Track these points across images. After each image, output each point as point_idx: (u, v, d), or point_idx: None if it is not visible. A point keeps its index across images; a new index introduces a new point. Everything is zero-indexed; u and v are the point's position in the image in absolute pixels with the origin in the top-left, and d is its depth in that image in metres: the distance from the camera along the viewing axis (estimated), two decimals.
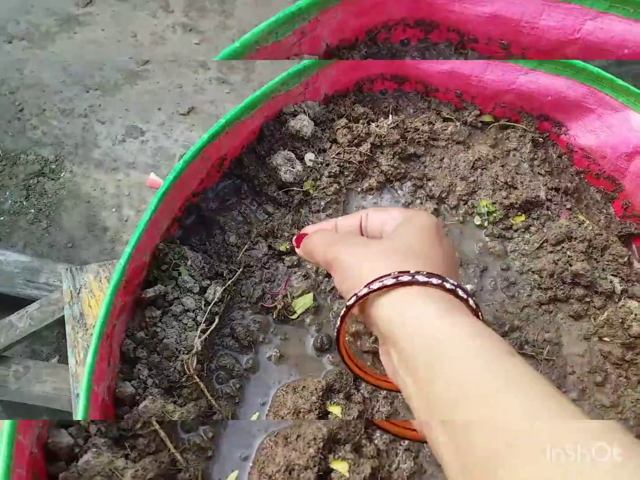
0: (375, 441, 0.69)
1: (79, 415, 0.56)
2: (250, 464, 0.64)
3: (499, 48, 0.94)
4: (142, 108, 1.80)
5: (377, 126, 0.87)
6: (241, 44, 0.75)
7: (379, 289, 0.43)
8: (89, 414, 0.56)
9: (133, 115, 1.78)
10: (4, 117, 1.74)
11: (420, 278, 0.43)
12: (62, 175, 1.67)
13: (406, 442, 0.68)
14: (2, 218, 1.59)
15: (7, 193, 1.62)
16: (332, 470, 0.61)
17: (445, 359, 0.38)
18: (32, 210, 1.61)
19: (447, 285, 0.43)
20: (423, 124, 0.91)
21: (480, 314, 0.45)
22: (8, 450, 0.49)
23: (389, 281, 0.43)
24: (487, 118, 0.97)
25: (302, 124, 0.85)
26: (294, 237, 0.62)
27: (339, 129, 0.87)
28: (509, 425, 0.33)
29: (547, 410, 0.33)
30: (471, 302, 0.44)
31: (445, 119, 0.95)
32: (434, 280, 0.43)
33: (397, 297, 0.43)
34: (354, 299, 0.45)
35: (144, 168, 1.70)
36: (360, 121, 0.89)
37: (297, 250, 0.61)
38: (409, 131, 0.90)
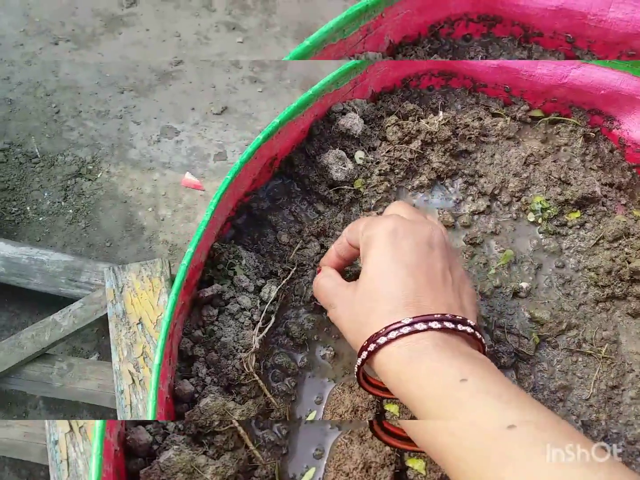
0: None
1: (148, 415, 0.56)
2: (325, 462, 0.65)
3: (564, 42, 0.92)
4: (176, 108, 1.81)
5: (428, 123, 0.86)
6: (311, 42, 0.75)
7: (373, 352, 0.48)
8: (157, 414, 0.57)
9: (167, 116, 1.79)
10: (41, 119, 1.76)
11: (405, 330, 0.46)
12: (99, 175, 1.68)
13: None
14: (41, 218, 1.61)
15: (46, 194, 1.64)
16: (407, 467, 0.61)
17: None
18: (71, 211, 1.63)
19: (434, 325, 0.46)
20: (473, 120, 0.90)
21: (480, 338, 0.51)
22: (100, 450, 0.49)
23: (381, 340, 0.47)
24: (536, 113, 0.95)
25: (352, 122, 0.84)
26: (317, 270, 0.68)
27: (389, 126, 0.86)
28: None
29: None
30: (464, 329, 0.49)
31: (494, 115, 0.94)
32: (420, 326, 0.46)
33: (394, 354, 0.47)
34: (359, 362, 0.51)
35: (179, 168, 1.71)
36: (410, 118, 0.88)
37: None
38: (459, 127, 0.89)
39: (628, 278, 0.80)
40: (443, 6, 0.90)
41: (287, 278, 0.77)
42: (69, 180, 1.66)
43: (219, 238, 0.78)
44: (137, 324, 1.22)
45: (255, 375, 0.69)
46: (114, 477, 0.52)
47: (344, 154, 0.84)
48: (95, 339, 1.48)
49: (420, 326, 0.46)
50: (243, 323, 0.73)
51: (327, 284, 0.63)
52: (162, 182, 1.68)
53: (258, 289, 0.76)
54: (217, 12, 1.98)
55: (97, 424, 0.50)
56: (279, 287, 0.76)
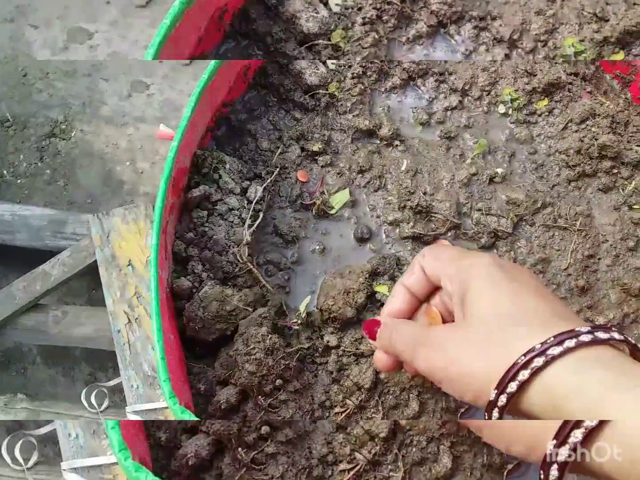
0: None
1: (151, 289, 0.58)
2: (317, 294, 0.77)
3: None
4: (144, 62, 1.80)
5: None
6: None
7: (524, 382, 0.37)
8: (159, 291, 0.59)
9: (136, 71, 1.77)
10: (9, 83, 1.74)
11: (554, 350, 0.37)
12: (73, 134, 1.68)
13: None
14: (19, 181, 1.60)
15: (21, 156, 1.63)
16: (376, 292, 0.75)
17: None
18: (48, 171, 1.62)
19: (585, 339, 0.37)
20: None
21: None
22: (155, 277, 0.62)
23: (524, 375, 0.37)
24: None
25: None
26: (363, 323, 0.57)
27: None
28: None
29: None
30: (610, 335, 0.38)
31: None
32: (570, 343, 0.37)
33: (547, 383, 0.37)
34: (496, 412, 0.39)
35: (152, 121, 1.71)
36: None
37: (368, 339, 0.57)
38: None
39: (597, 155, 0.84)
40: None
41: (272, 178, 0.79)
42: (43, 141, 1.65)
43: (201, 147, 0.80)
44: (127, 265, 1.24)
45: (249, 264, 0.71)
46: (168, 304, 0.67)
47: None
48: (85, 292, 1.49)
49: (585, 338, 0.37)
50: (233, 222, 0.75)
51: (407, 330, 0.51)
52: (137, 136, 1.68)
53: (244, 191, 0.78)
54: None
55: (152, 255, 0.61)
56: (264, 186, 0.78)
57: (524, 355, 0.38)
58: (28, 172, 1.62)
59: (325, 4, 0.78)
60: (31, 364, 1.45)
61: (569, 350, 0.37)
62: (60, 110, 1.71)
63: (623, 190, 0.84)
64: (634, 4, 0.81)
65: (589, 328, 0.38)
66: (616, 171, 0.84)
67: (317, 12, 0.77)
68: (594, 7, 0.80)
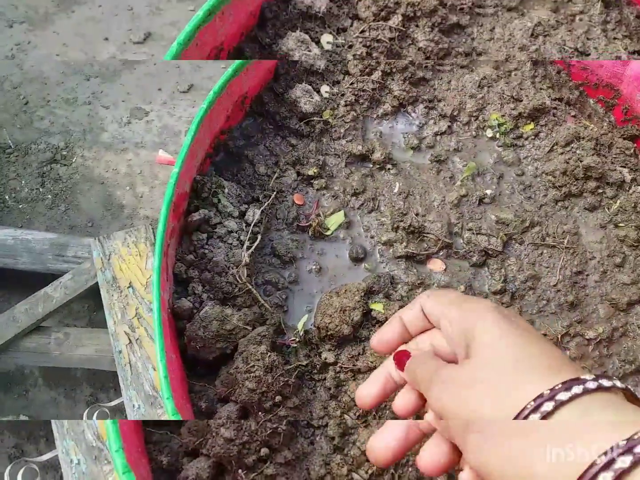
0: (399, 290, 0.81)
1: (154, 310, 0.61)
2: (314, 312, 0.79)
3: None
4: (143, 90, 1.84)
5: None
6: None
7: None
8: (161, 311, 0.62)
9: (135, 98, 1.82)
10: (10, 111, 1.78)
11: (562, 396, 0.38)
12: (74, 160, 1.71)
13: (420, 289, 0.81)
14: (21, 206, 1.63)
15: (23, 182, 1.66)
16: (372, 309, 0.77)
17: None
18: (49, 196, 1.65)
19: (591, 386, 0.38)
20: None
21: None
22: (157, 297, 0.64)
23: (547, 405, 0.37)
24: None
25: None
26: (394, 354, 0.55)
27: (350, 60, 0.91)
28: None
29: None
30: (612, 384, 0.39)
31: None
32: (578, 389, 0.38)
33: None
34: None
35: (152, 146, 1.74)
36: None
37: (397, 368, 0.53)
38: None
39: (582, 176, 0.87)
40: None
41: (269, 201, 0.82)
42: (44, 167, 1.68)
43: (201, 173, 0.83)
44: (128, 287, 1.26)
45: (248, 285, 0.74)
46: (170, 324, 0.69)
47: (310, 87, 0.89)
48: (87, 315, 1.51)
49: (591, 385, 0.38)
50: (232, 244, 0.78)
51: (429, 364, 0.49)
52: (137, 161, 1.71)
53: (242, 214, 0.81)
54: None
55: (154, 277, 0.63)
56: (262, 209, 0.81)
57: (534, 400, 0.38)
58: (29, 197, 1.65)
59: (318, 92, 0.89)
60: (33, 386, 1.46)
61: (576, 397, 0.38)
62: (61, 137, 1.74)
63: (608, 209, 0.87)
64: (541, 89, 0.93)
65: (594, 376, 0.39)
66: (601, 191, 0.87)
67: (312, 98, 0.87)
68: (511, 91, 0.92)
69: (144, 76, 1.88)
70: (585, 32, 0.88)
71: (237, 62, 0.80)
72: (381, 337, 0.56)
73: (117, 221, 1.63)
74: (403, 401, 0.51)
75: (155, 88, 1.85)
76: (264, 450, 0.63)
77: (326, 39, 0.85)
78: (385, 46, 0.86)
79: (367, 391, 0.53)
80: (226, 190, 0.81)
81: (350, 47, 0.85)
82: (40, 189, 1.66)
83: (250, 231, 0.79)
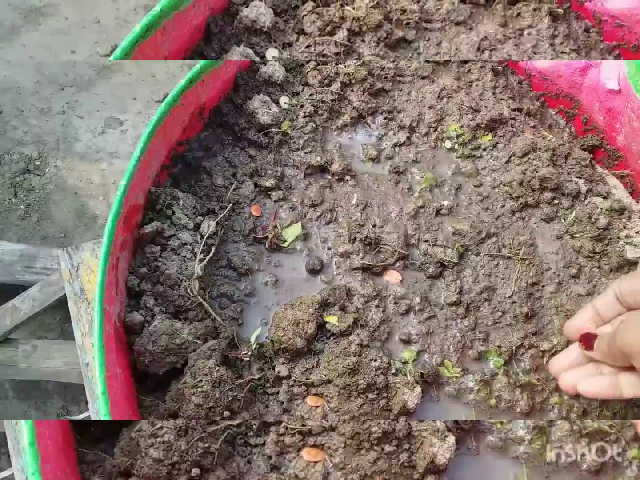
0: (355, 303, 0.80)
1: (94, 325, 0.60)
2: (269, 326, 0.79)
3: None
4: (119, 100, 1.84)
5: (354, 8, 0.86)
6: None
7: None
8: (104, 326, 0.61)
9: (110, 108, 1.82)
10: None
11: None
12: (47, 170, 1.70)
13: (376, 301, 0.81)
14: None
15: None
16: (326, 322, 0.76)
17: None
18: (22, 206, 1.64)
19: None
20: (411, 2, 0.90)
21: None
22: (100, 311, 0.63)
23: None
24: None
25: (258, 11, 0.83)
26: (580, 336, 0.61)
27: (309, 71, 0.91)
28: None
29: None
30: None
31: None
32: None
33: None
34: None
35: (126, 156, 1.74)
36: (332, 4, 0.86)
37: (584, 350, 0.61)
38: (375, 69, 0.95)
39: (538, 187, 0.87)
40: None
41: (225, 213, 0.82)
42: (17, 177, 1.67)
43: (156, 185, 0.82)
44: (100, 253, 1.25)
45: (199, 298, 0.74)
46: (115, 340, 0.67)
47: (268, 98, 0.89)
48: (58, 326, 1.50)
49: None
50: (185, 256, 0.78)
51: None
52: (111, 171, 1.71)
53: (197, 226, 0.81)
54: None
55: (97, 294, 0.63)
56: (217, 221, 0.81)
57: None
58: (2, 207, 1.64)
59: (277, 103, 0.89)
60: (3, 398, 1.45)
61: None
62: (34, 147, 1.74)
63: (565, 220, 0.87)
64: (501, 99, 0.93)
65: None
66: (557, 202, 0.88)
67: (270, 109, 0.87)
68: (470, 102, 0.92)
69: (119, 85, 1.87)
70: (533, 47, 0.89)
71: (192, 71, 0.81)
72: (574, 325, 0.65)
73: (91, 231, 1.62)
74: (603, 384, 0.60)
75: (130, 97, 1.85)
76: (195, 471, 0.61)
77: (284, 100, 0.89)
78: (328, 105, 0.90)
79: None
80: (181, 202, 0.81)
81: (302, 106, 0.90)
82: (13, 200, 1.65)
83: (204, 243, 0.79)
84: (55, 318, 1.51)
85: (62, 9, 1.97)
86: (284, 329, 0.74)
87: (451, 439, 0.67)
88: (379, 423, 0.66)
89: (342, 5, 0.83)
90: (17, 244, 1.39)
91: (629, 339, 0.54)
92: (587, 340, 0.60)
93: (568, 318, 0.81)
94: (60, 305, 1.33)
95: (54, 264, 1.36)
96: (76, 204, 1.66)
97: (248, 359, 0.74)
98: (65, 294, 1.29)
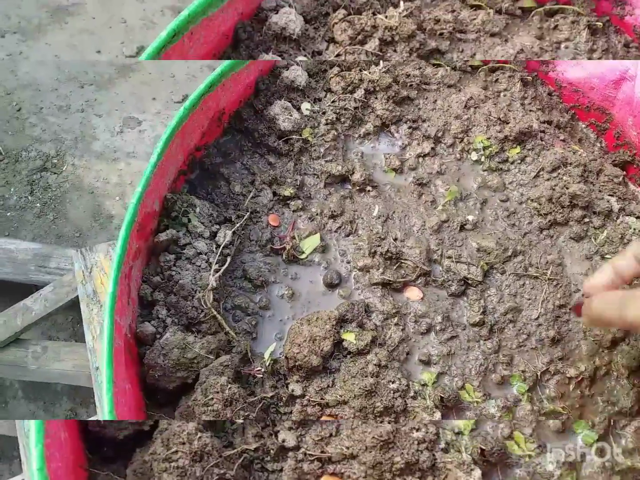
0: (373, 320, 0.77)
1: (103, 338, 0.58)
2: (284, 342, 0.76)
3: None
4: (137, 99, 1.82)
5: (370, 72, 0.89)
6: None
7: None
8: (114, 339, 0.59)
9: (129, 107, 1.81)
10: (3, 117, 1.76)
11: None
12: (64, 168, 1.69)
13: (396, 318, 0.78)
14: (8, 214, 1.61)
15: (12, 189, 1.65)
16: (343, 339, 0.74)
17: None
18: (38, 205, 1.63)
19: None
20: (414, 70, 0.92)
21: None
22: (110, 323, 0.61)
23: None
24: (527, 3, 0.93)
25: (288, 18, 0.81)
26: (575, 307, 0.67)
27: (335, 23, 0.85)
28: None
29: None
30: None
31: (474, 6, 0.91)
32: None
33: None
34: None
35: (144, 156, 1.72)
36: (363, 13, 0.85)
37: (581, 317, 0.64)
38: (400, 76, 0.92)
39: (568, 204, 0.84)
40: None
41: (242, 222, 0.80)
42: (34, 175, 1.66)
43: (173, 190, 0.80)
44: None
45: (213, 310, 0.71)
46: (125, 353, 0.64)
47: (290, 104, 0.86)
48: (70, 326, 1.48)
49: None
50: (200, 266, 0.75)
51: (610, 295, 0.60)
52: (128, 171, 1.70)
53: (213, 235, 0.79)
54: None
55: (107, 303, 0.61)
56: (233, 230, 0.78)
57: None
58: (18, 205, 1.63)
59: (298, 109, 0.86)
60: (12, 398, 1.44)
61: None
62: (52, 145, 1.73)
63: (595, 239, 0.84)
64: (530, 110, 0.92)
65: None
66: (588, 220, 0.84)
67: (291, 115, 0.84)
68: (498, 113, 0.90)
69: (139, 85, 1.86)
70: (507, 105, 0.91)
71: (213, 75, 0.78)
72: (593, 284, 0.65)
73: (105, 232, 1.61)
74: None
75: (149, 97, 1.84)
76: None
77: (305, 106, 0.87)
78: (350, 113, 0.89)
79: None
80: (197, 210, 0.79)
81: (324, 113, 0.88)
82: (29, 197, 1.64)
83: (219, 253, 0.76)
84: (67, 318, 1.50)
85: (89, 9, 1.96)
86: (299, 345, 0.71)
87: (477, 472, 0.64)
88: (402, 453, 0.63)
89: (374, 14, 0.82)
90: (31, 243, 1.38)
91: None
92: (578, 309, 0.65)
93: (596, 344, 0.78)
94: (73, 305, 1.31)
95: (68, 264, 1.35)
96: (92, 204, 1.65)
97: (261, 375, 0.71)
98: (77, 295, 1.28)
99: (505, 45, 0.87)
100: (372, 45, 0.82)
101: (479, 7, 0.87)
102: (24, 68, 1.85)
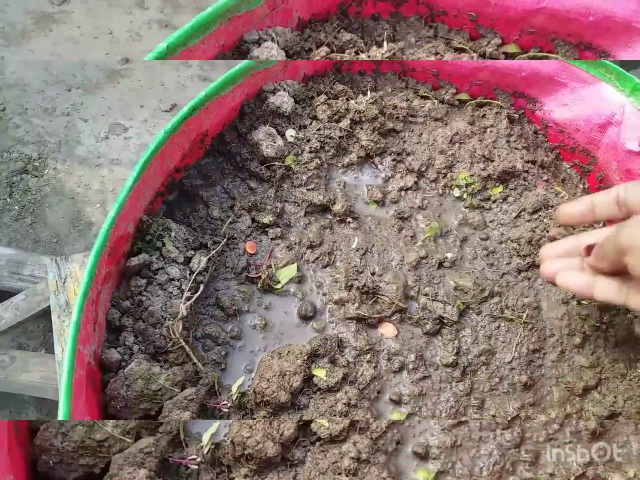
0: (346, 356, 0.76)
1: (64, 369, 0.56)
2: (253, 374, 0.74)
3: (467, 20, 0.95)
4: (125, 106, 1.80)
5: (357, 102, 0.89)
6: (214, 9, 0.76)
7: None
8: (75, 370, 0.57)
9: (116, 113, 1.78)
10: None
11: None
12: (45, 172, 1.67)
13: (369, 355, 0.76)
14: None
15: None
16: (314, 375, 0.72)
17: None
18: (16, 207, 1.60)
19: None
20: (401, 101, 0.93)
21: None
22: (72, 355, 0.57)
23: None
24: (463, 96, 0.99)
25: (282, 99, 0.86)
26: (585, 247, 0.64)
27: (318, 104, 0.88)
28: None
29: None
30: None
31: (422, 97, 0.97)
32: None
33: None
34: None
35: (128, 164, 1.70)
36: (340, 98, 0.90)
37: (588, 259, 0.64)
38: (387, 108, 0.92)
39: None
40: None
41: (218, 249, 0.78)
42: (14, 177, 1.64)
43: (149, 212, 0.79)
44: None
45: (181, 341, 0.69)
46: (87, 382, 0.60)
47: (274, 130, 0.85)
48: (41, 334, 1.45)
49: None
50: (172, 293, 0.74)
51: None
52: (111, 178, 1.67)
53: (188, 260, 0.77)
54: (150, 11, 1.98)
55: (70, 337, 0.57)
56: (209, 257, 0.77)
57: None
58: None
59: (283, 135, 0.87)
60: None
61: None
62: (35, 147, 1.70)
63: None
64: (515, 148, 0.93)
65: None
66: None
67: (275, 142, 0.85)
68: (483, 150, 0.91)
69: (127, 91, 1.84)
70: (493, 142, 0.93)
71: (195, 99, 0.76)
72: (567, 210, 0.67)
73: (84, 239, 1.58)
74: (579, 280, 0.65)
75: (137, 104, 1.82)
76: None
77: (290, 132, 0.88)
78: (335, 142, 0.89)
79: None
80: (173, 234, 0.77)
81: (308, 140, 0.88)
82: (8, 199, 1.61)
83: (192, 280, 0.75)
84: (39, 326, 1.47)
85: (75, 18, 1.93)
86: (268, 380, 0.70)
87: None
88: None
89: (347, 100, 0.89)
90: (5, 248, 1.35)
91: (632, 234, 0.55)
92: (589, 249, 0.63)
93: (569, 390, 0.77)
94: (45, 313, 1.29)
95: (42, 272, 1.32)
96: (72, 210, 1.62)
97: (227, 410, 0.70)
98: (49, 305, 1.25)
99: (445, 128, 0.94)
100: (345, 123, 0.88)
101: (427, 98, 0.97)
102: (10, 67, 1.82)
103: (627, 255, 0.56)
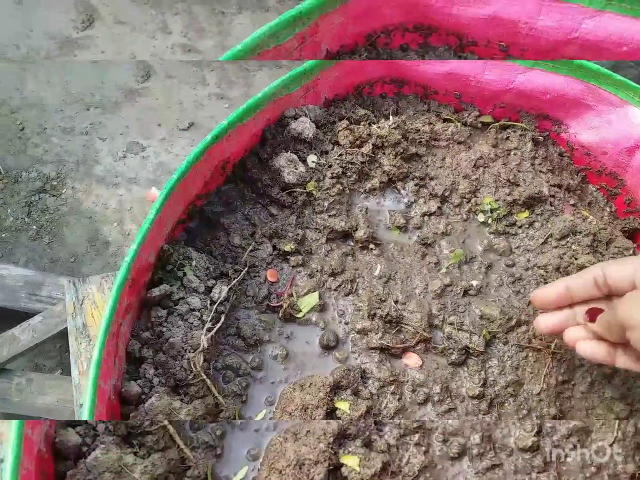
0: (386, 436, 0.68)
1: (84, 414, 0.55)
2: (260, 461, 0.63)
3: (498, 50, 0.95)
4: (143, 125, 1.81)
5: (379, 127, 0.88)
6: (243, 46, 0.76)
7: None
8: (95, 413, 0.56)
9: (134, 132, 1.79)
10: (5, 136, 1.75)
11: None
12: (63, 191, 1.67)
13: (416, 436, 0.67)
14: (3, 235, 1.59)
15: (9, 210, 1.62)
16: (342, 465, 0.59)
17: None
18: (34, 227, 1.61)
19: None
20: (424, 125, 0.92)
21: None
22: (17, 447, 0.48)
23: None
24: (486, 119, 0.97)
25: (304, 125, 0.85)
26: (587, 310, 0.63)
27: (340, 130, 0.87)
28: None
29: None
30: None
31: (445, 120, 0.96)
32: None
33: None
34: None
35: (145, 183, 1.71)
36: (362, 123, 0.89)
37: (591, 325, 0.63)
38: (410, 132, 0.90)
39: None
40: (378, 16, 0.92)
41: (239, 278, 0.77)
42: (32, 196, 1.65)
43: (170, 240, 0.78)
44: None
45: (202, 374, 0.68)
46: (36, 477, 0.50)
47: (295, 157, 0.84)
48: (57, 355, 1.45)
49: None
50: (192, 323, 0.73)
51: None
52: (128, 197, 1.68)
53: (209, 290, 0.76)
54: (173, 35, 2.00)
55: (15, 422, 0.49)
56: (230, 286, 0.76)
57: None
58: (14, 226, 1.61)
59: (304, 161, 0.86)
60: None
61: None
62: (53, 166, 1.71)
63: None
64: (540, 171, 0.92)
65: None
66: None
67: (297, 168, 0.84)
68: (507, 174, 0.90)
69: (145, 110, 1.85)
70: (517, 165, 0.92)
71: (217, 127, 0.76)
72: (541, 294, 0.68)
73: (101, 258, 1.58)
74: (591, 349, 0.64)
75: (155, 123, 1.83)
76: None
77: (311, 158, 0.87)
78: (357, 167, 0.88)
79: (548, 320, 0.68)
80: (194, 263, 0.76)
81: (330, 166, 0.87)
82: (26, 219, 1.62)
83: (214, 310, 0.73)
84: (56, 346, 1.47)
85: (99, 43, 1.95)
86: (290, 414, 0.68)
87: None
88: None
89: (369, 125, 0.89)
90: (23, 269, 1.35)
91: (632, 312, 0.56)
92: (593, 315, 0.62)
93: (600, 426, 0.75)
94: (62, 333, 1.28)
95: (60, 293, 1.32)
96: (89, 229, 1.63)
97: None
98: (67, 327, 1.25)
99: (469, 151, 0.93)
100: (367, 148, 0.87)
101: (449, 121, 0.96)
102: (29, 86, 1.84)
103: (629, 332, 0.56)
